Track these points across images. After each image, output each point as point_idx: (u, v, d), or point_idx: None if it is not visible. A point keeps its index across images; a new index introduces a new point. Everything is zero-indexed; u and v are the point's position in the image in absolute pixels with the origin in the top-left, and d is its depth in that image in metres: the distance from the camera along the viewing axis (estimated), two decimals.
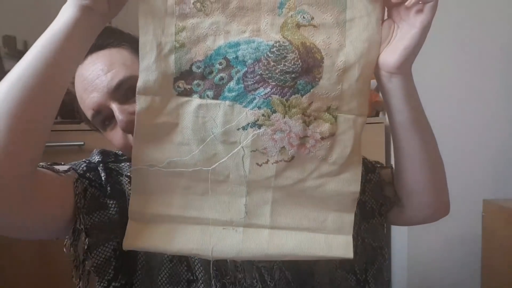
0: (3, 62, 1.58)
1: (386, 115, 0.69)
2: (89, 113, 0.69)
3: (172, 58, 0.58)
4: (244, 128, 0.59)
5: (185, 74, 0.59)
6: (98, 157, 0.72)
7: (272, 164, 0.60)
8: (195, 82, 0.59)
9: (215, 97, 0.59)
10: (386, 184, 0.78)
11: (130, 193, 0.63)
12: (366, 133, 0.63)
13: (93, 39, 0.57)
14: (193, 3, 0.57)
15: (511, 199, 1.40)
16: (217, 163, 0.60)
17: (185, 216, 0.62)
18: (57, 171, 0.62)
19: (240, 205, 0.62)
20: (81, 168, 0.67)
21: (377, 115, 1.69)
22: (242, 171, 0.60)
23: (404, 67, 0.59)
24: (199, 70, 0.59)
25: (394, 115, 0.64)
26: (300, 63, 0.58)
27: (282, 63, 0.58)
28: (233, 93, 0.58)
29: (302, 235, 0.63)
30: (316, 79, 0.59)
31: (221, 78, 0.59)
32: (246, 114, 0.59)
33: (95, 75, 0.66)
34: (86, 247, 0.62)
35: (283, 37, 0.58)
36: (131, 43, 0.69)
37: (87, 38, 0.56)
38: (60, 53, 0.53)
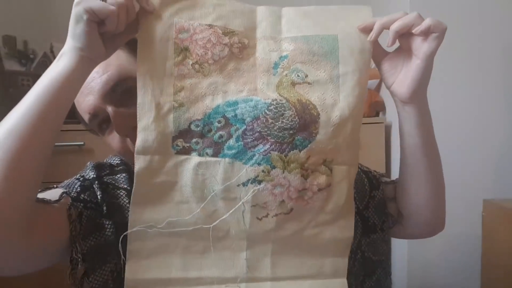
0: (3, 62, 1.55)
1: (389, 118, 0.70)
2: (85, 117, 0.67)
3: (170, 117, 0.59)
4: (244, 184, 0.59)
5: (184, 133, 0.59)
6: (93, 172, 0.69)
7: (272, 217, 0.60)
8: (194, 140, 0.59)
9: (215, 154, 0.59)
10: (389, 200, 0.78)
11: (128, 206, 0.61)
12: (366, 133, 0.64)
13: (85, 79, 0.58)
14: (191, 64, 0.59)
15: (511, 199, 1.37)
16: (218, 220, 0.59)
17: (186, 278, 0.60)
18: (49, 202, 0.59)
19: (241, 260, 0.61)
20: (74, 190, 0.65)
21: (377, 115, 1.67)
22: (243, 226, 0.59)
23: (415, 98, 0.61)
24: (198, 129, 0.59)
25: (406, 138, 0.66)
26: (298, 120, 0.59)
27: (280, 120, 0.59)
28: (233, 151, 0.59)
29: (302, 284, 0.64)
30: (313, 135, 0.60)
31: (221, 136, 0.59)
32: (246, 170, 0.59)
33: (90, 78, 0.63)
34: (83, 272, 0.60)
35: (280, 95, 0.61)
36: (128, 43, 0.66)
37: (81, 82, 0.57)
38: (55, 102, 0.53)
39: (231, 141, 0.59)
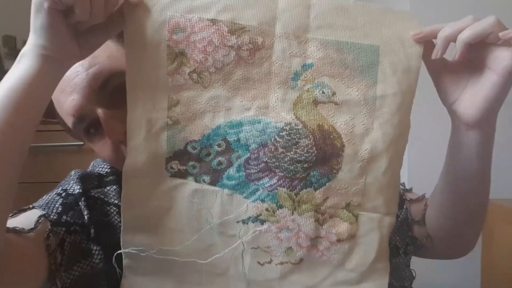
0: (3, 62, 1.55)
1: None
2: (69, 120, 0.55)
3: (164, 136, 0.50)
4: (244, 222, 0.50)
5: (180, 154, 0.50)
6: (78, 186, 0.59)
7: (276, 265, 0.51)
8: (191, 163, 0.50)
9: (212, 183, 0.50)
10: (415, 223, 0.67)
11: (120, 225, 0.53)
12: None
13: (55, 86, 0.48)
14: (188, 73, 0.48)
15: (511, 199, 1.36)
16: (213, 257, 0.52)
17: None
18: (23, 232, 0.49)
19: None
20: (55, 211, 0.55)
21: None
22: (241, 268, 0.52)
23: (485, 121, 0.48)
24: (195, 151, 0.50)
25: (459, 164, 0.54)
26: (315, 151, 0.47)
27: (293, 150, 0.47)
28: (233, 181, 0.49)
29: None
30: (334, 171, 0.48)
31: (220, 163, 0.50)
32: (247, 206, 0.50)
33: (73, 72, 0.52)
34: None
35: (296, 117, 0.48)
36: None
37: (49, 89, 0.46)
38: (15, 117, 0.42)
39: (232, 170, 0.49)
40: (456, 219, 0.60)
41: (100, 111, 0.53)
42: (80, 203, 0.57)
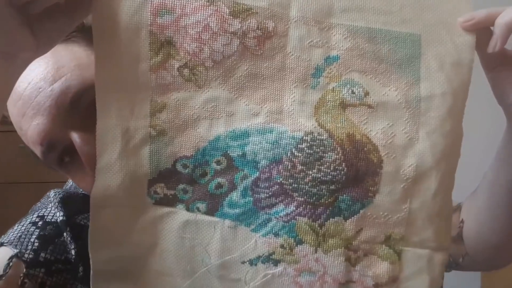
0: None
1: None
2: (36, 150, 0.44)
3: (145, 151, 0.38)
4: (252, 262, 0.38)
5: (166, 175, 0.38)
6: (60, 212, 0.49)
7: None
8: (181, 186, 0.39)
9: (210, 212, 0.39)
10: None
11: None
12: None
13: (8, 90, 0.38)
14: (178, 68, 0.37)
15: None
16: None
17: None
18: None
19: None
20: (30, 248, 0.45)
21: None
22: None
23: None
24: (187, 171, 0.38)
25: None
26: (345, 169, 0.36)
27: (316, 167, 0.36)
28: (237, 210, 0.38)
29: None
30: (370, 194, 0.37)
31: (219, 185, 0.38)
32: (255, 242, 0.38)
33: (34, 89, 0.42)
34: None
35: (319, 124, 0.37)
36: (84, 32, 0.44)
37: (4, 87, 0.36)
38: None
39: (235, 195, 0.38)
40: (503, 231, 0.50)
41: (74, 135, 0.42)
42: (65, 234, 0.46)
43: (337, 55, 0.37)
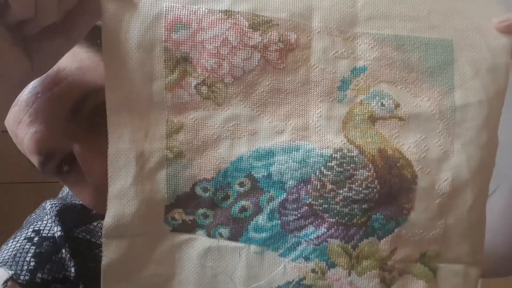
0: None
1: None
2: (34, 159, 0.42)
3: (162, 175, 0.35)
4: None
5: (184, 200, 0.36)
6: (58, 226, 0.46)
7: None
8: (201, 211, 0.36)
9: (233, 237, 0.36)
10: None
11: None
12: None
13: (9, 106, 0.35)
14: (195, 86, 0.34)
15: None
16: None
17: None
18: None
19: None
20: (26, 269, 0.42)
21: None
22: None
23: None
24: (207, 194, 0.36)
25: None
26: (377, 186, 0.34)
27: (347, 185, 0.34)
28: (263, 234, 0.35)
29: None
30: (404, 212, 0.35)
31: (243, 209, 0.36)
32: (284, 267, 0.36)
33: (32, 94, 0.39)
34: None
35: (348, 140, 0.35)
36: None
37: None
38: None
39: (261, 218, 0.35)
40: None
41: (75, 146, 0.39)
42: (63, 250, 0.44)
43: (364, 66, 0.35)
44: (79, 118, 0.40)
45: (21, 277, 0.42)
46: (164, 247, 0.37)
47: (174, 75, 0.34)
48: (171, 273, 0.37)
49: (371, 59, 0.35)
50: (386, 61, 0.35)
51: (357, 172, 0.34)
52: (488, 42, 0.35)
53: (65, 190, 0.55)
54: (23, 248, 0.44)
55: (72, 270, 0.44)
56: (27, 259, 0.43)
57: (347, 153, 0.34)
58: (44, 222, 0.47)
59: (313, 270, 0.35)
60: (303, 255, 0.35)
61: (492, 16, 0.36)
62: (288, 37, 0.35)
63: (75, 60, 0.39)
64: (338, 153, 0.34)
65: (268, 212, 0.35)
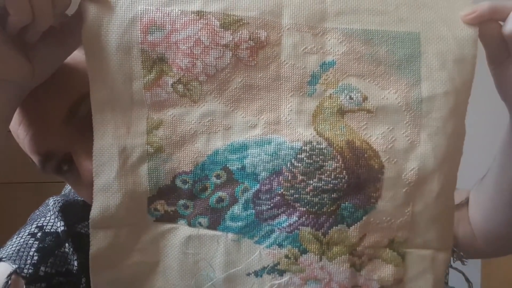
0: None
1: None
2: (34, 158, 0.44)
3: (144, 169, 0.38)
4: (257, 274, 0.38)
5: (166, 191, 0.38)
6: (61, 221, 0.47)
7: None
8: (181, 202, 0.38)
9: (212, 226, 0.38)
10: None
11: None
12: None
13: (13, 112, 0.38)
14: (172, 84, 0.36)
15: None
16: None
17: None
18: None
19: None
20: (29, 263, 0.43)
21: None
22: None
23: None
24: (186, 186, 0.38)
25: None
26: (346, 176, 0.36)
27: (317, 176, 0.36)
28: (239, 222, 0.38)
29: None
30: (372, 200, 0.36)
31: (220, 199, 0.38)
32: (260, 254, 0.38)
33: (31, 97, 0.40)
34: None
35: (318, 133, 0.36)
36: None
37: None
38: None
39: (237, 208, 0.38)
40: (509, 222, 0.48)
41: (73, 149, 0.41)
42: (66, 244, 0.45)
43: (333, 60, 0.37)
44: (77, 120, 0.41)
45: (25, 271, 0.42)
46: (148, 236, 0.39)
47: (151, 75, 0.36)
48: (155, 261, 0.40)
49: (339, 53, 0.36)
50: (354, 55, 0.36)
51: (326, 164, 0.36)
52: (455, 34, 0.36)
53: (68, 187, 0.56)
54: (27, 243, 0.45)
55: (75, 263, 0.45)
56: (31, 253, 0.44)
57: (316, 146, 0.36)
58: (47, 218, 0.48)
59: (286, 256, 0.37)
60: (277, 242, 0.37)
61: (459, 8, 0.37)
62: (258, 35, 0.36)
63: (74, 60, 0.41)
64: (308, 145, 0.36)
65: (243, 202, 0.37)
